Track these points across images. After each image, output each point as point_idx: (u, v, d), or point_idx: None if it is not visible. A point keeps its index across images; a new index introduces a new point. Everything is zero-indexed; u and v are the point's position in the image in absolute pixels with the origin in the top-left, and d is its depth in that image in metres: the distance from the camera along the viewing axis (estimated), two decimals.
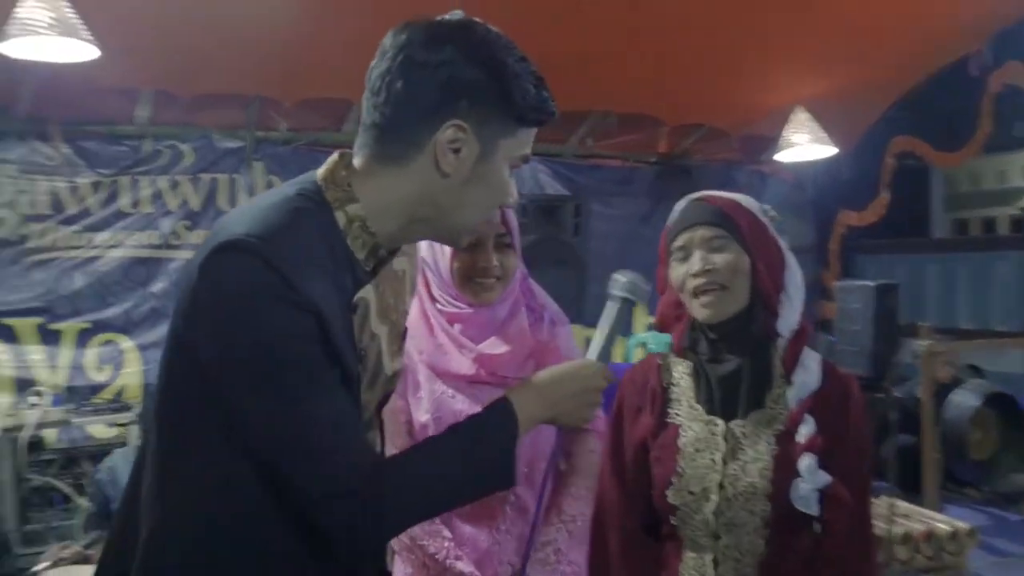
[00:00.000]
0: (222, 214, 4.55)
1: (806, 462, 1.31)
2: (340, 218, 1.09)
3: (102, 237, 4.44)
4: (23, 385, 4.08)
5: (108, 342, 4.39)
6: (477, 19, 1.12)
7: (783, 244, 1.44)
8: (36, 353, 4.22)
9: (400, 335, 1.24)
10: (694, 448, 1.38)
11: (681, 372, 1.46)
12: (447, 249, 1.63)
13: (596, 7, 4.06)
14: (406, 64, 1.07)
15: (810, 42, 4.35)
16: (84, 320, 4.35)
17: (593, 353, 1.28)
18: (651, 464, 1.41)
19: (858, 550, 1.35)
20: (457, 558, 1.55)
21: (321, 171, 1.12)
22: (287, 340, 0.98)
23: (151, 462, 1.08)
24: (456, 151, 1.07)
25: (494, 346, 1.63)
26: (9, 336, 4.21)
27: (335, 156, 1.13)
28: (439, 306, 1.67)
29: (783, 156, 5.03)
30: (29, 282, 4.31)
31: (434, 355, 1.64)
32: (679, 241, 1.40)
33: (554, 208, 4.83)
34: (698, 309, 1.38)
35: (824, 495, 1.31)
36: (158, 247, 4.55)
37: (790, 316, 1.40)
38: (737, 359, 1.39)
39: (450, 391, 1.62)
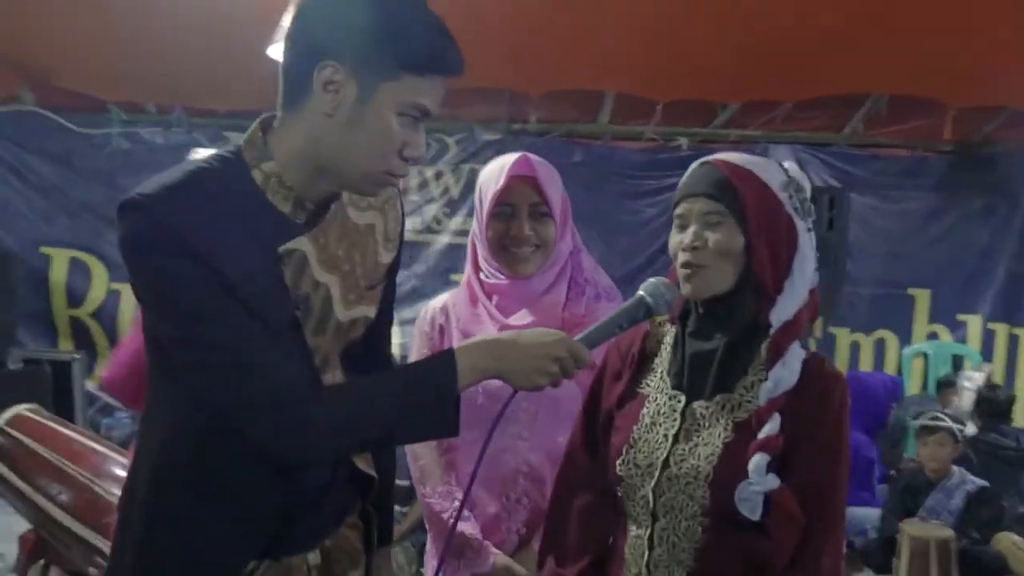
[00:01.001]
0: None
1: (755, 461, 1.18)
2: (257, 176, 1.16)
3: None
4: None
5: None
6: None
7: (801, 226, 1.29)
8: None
9: (360, 285, 1.27)
10: (651, 421, 1.31)
11: (669, 341, 1.37)
12: (484, 218, 1.66)
13: None
14: (300, 10, 1.13)
15: None
16: None
17: (581, 332, 1.27)
18: (612, 432, 1.35)
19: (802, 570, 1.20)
20: (463, 519, 1.57)
21: (246, 134, 1.20)
22: (177, 282, 1.09)
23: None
24: (335, 92, 1.10)
25: (521, 318, 1.62)
26: None
27: (257, 120, 1.20)
28: (482, 275, 1.70)
29: None
30: None
31: (468, 323, 1.68)
32: (679, 209, 1.31)
33: None
34: (682, 288, 1.30)
35: (769, 501, 1.19)
36: (421, 232, 4.99)
37: (787, 305, 1.27)
38: (721, 339, 1.29)
39: None
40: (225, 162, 1.16)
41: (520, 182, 1.64)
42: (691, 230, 1.27)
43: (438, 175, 5.01)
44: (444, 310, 1.74)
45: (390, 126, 1.12)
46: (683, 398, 1.30)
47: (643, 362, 1.37)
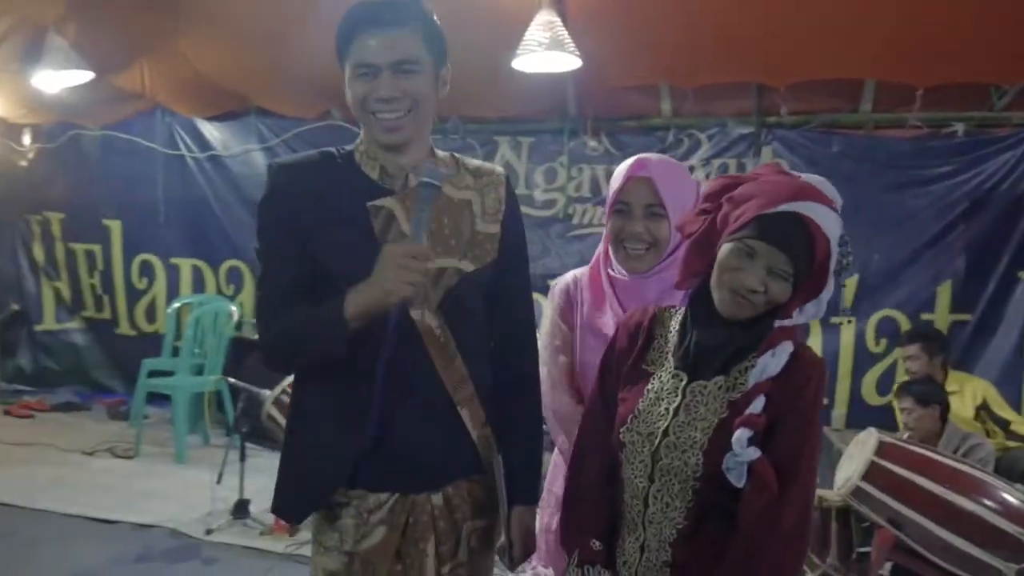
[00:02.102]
0: None
1: (738, 435, 1.34)
2: (356, 154, 1.58)
3: None
4: None
5: None
6: None
7: (832, 281, 1.42)
8: None
9: (450, 243, 1.56)
10: (655, 396, 1.47)
11: (673, 325, 1.51)
12: (607, 213, 1.83)
13: None
14: None
15: None
16: None
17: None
18: (619, 403, 1.51)
19: (771, 534, 1.32)
20: None
21: None
22: (261, 227, 1.57)
23: None
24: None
25: None
26: None
27: None
28: (610, 269, 1.85)
29: None
30: (570, 251, 5.30)
31: (592, 311, 1.85)
32: (753, 244, 1.38)
33: None
34: (719, 302, 1.41)
35: (750, 470, 1.32)
36: None
37: (793, 321, 1.43)
38: (727, 334, 1.42)
39: (593, 344, 1.81)
40: (348, 149, 1.60)
41: (636, 183, 1.77)
42: (758, 273, 1.38)
43: (690, 170, 5.10)
44: (578, 285, 1.91)
45: (352, 86, 1.51)
46: (685, 377, 1.45)
47: (649, 342, 1.53)
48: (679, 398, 1.44)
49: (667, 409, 1.45)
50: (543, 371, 1.81)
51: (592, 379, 1.77)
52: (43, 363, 6.65)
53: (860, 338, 4.81)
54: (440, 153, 1.65)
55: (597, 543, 1.50)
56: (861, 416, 4.52)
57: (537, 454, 1.71)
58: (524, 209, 5.47)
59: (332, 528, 1.58)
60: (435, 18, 1.56)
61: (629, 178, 1.79)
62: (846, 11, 3.96)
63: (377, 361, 1.48)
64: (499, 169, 1.69)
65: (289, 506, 1.65)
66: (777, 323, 1.41)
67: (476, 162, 1.68)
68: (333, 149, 1.60)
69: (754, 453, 1.33)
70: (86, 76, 4.87)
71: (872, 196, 4.78)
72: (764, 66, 4.53)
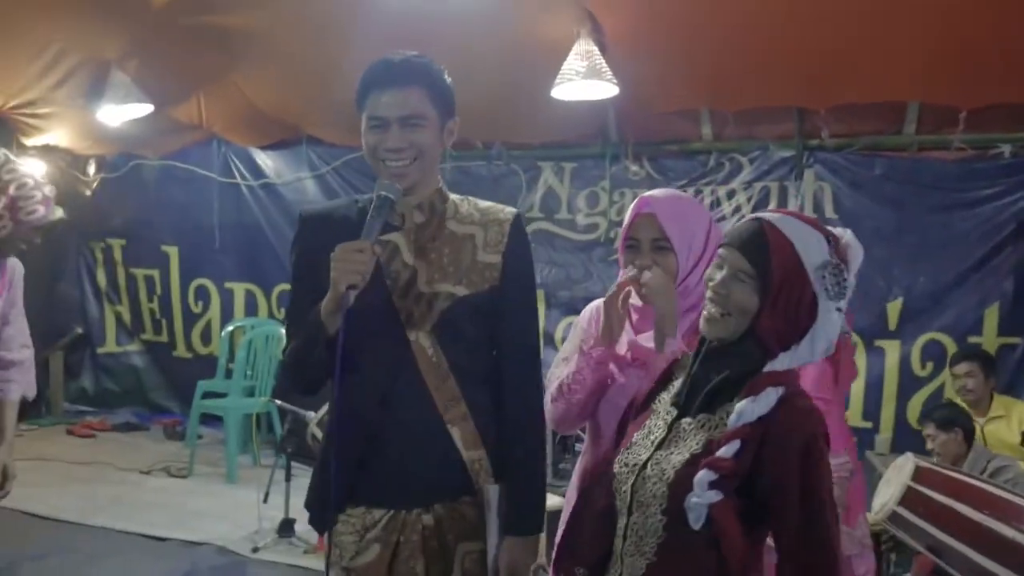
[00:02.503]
0: None
1: (700, 475, 1.32)
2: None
3: None
4: None
5: None
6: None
7: (825, 305, 1.38)
8: None
9: (447, 271, 1.68)
10: (648, 430, 1.49)
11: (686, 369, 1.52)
12: (620, 249, 1.89)
13: None
14: None
15: None
16: None
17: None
18: (623, 436, 1.54)
19: None
20: None
21: None
22: (292, 268, 1.77)
23: None
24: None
25: (646, 340, 1.80)
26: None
27: None
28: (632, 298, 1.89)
29: None
30: (612, 275, 5.29)
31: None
32: (721, 251, 1.44)
33: None
34: (701, 324, 1.45)
35: (711, 514, 1.31)
36: None
37: (784, 362, 1.40)
38: (722, 370, 1.42)
39: (614, 365, 1.87)
40: (369, 195, 1.70)
41: (642, 219, 1.84)
42: (721, 276, 1.41)
43: (730, 194, 5.11)
44: (598, 311, 1.95)
45: (365, 136, 1.64)
46: (675, 413, 1.47)
47: (664, 382, 1.56)
48: (665, 432, 1.46)
49: (652, 441, 1.46)
50: (549, 388, 1.88)
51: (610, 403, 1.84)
52: (104, 384, 6.92)
53: (905, 361, 4.75)
54: (454, 196, 1.75)
55: (581, 570, 1.51)
56: (906, 441, 4.45)
57: (537, 483, 1.75)
58: (566, 233, 5.62)
59: (336, 545, 1.68)
60: (445, 77, 1.67)
61: (636, 215, 1.86)
62: (887, 33, 3.95)
63: (355, 361, 1.60)
64: (510, 209, 1.79)
65: (313, 520, 1.77)
66: (768, 368, 1.39)
67: (488, 203, 1.78)
68: (358, 196, 1.77)
69: (714, 496, 1.31)
70: (146, 109, 5.10)
71: (916, 218, 4.74)
72: (805, 89, 4.52)
